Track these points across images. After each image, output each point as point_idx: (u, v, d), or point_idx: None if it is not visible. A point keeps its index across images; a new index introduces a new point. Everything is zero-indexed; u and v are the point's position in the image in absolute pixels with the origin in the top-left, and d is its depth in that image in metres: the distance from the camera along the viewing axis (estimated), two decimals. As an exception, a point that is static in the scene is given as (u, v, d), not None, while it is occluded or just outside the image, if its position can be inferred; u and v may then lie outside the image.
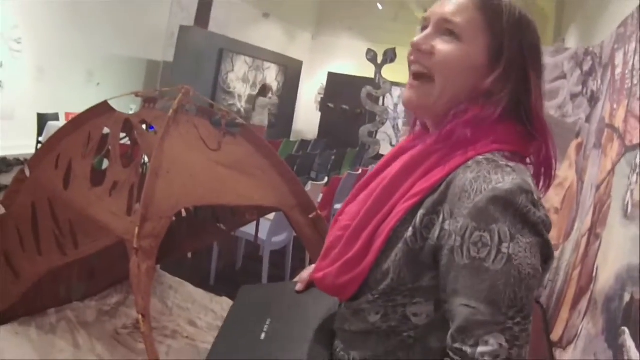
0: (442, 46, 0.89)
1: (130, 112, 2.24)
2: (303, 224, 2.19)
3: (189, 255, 3.49)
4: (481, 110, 0.87)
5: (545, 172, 0.91)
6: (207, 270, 3.77)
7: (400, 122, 10.84)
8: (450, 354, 0.75)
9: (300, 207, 2.20)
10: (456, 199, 0.78)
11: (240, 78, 9.96)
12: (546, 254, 0.78)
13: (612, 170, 2.70)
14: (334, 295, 0.94)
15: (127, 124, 1.96)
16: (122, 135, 1.98)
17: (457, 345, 0.74)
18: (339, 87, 11.06)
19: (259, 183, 2.11)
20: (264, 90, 9.77)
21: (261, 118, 9.44)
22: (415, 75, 0.92)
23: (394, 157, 1.01)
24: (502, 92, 0.88)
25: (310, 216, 2.20)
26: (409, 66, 0.94)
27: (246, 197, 2.05)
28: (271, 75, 10.77)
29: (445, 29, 0.89)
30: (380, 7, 11.48)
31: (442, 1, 0.93)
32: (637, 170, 2.25)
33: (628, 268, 2.13)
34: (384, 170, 1.00)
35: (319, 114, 11.62)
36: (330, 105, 11.18)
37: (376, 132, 9.28)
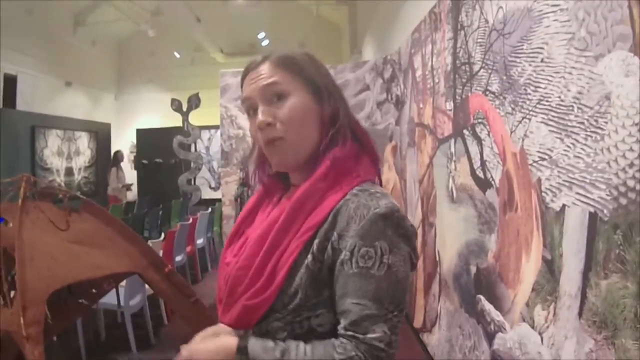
0: (281, 110, 1.03)
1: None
2: (158, 280, 2.34)
3: (54, 338, 3.41)
4: (340, 150, 1.04)
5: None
6: (75, 348, 3.66)
7: (215, 164, 10.96)
8: (343, 339, 0.91)
9: (152, 265, 2.34)
10: (344, 225, 0.96)
11: (55, 152, 9.46)
12: (413, 260, 0.99)
13: (430, 163, 3.05)
14: (243, 322, 1.01)
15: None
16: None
17: (350, 333, 0.91)
18: (150, 142, 10.91)
19: (111, 252, 2.21)
20: (116, 158, 9.97)
21: (115, 189, 9.65)
22: (269, 141, 1.04)
23: (256, 206, 1.19)
24: (339, 119, 1.06)
25: (166, 270, 2.32)
26: (259, 136, 1.06)
27: (103, 268, 2.15)
28: (83, 144, 10.32)
29: (272, 94, 1.03)
30: (177, 55, 11.59)
31: (249, 81, 1.07)
32: (454, 158, 2.58)
33: (467, 244, 2.43)
34: (250, 217, 1.19)
35: (135, 172, 11.37)
36: (144, 161, 10.97)
37: (194, 178, 9.23)
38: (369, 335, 0.89)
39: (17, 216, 1.85)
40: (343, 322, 0.92)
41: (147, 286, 3.76)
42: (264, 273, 0.99)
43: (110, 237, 2.23)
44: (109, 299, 3.45)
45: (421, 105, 3.24)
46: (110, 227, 2.27)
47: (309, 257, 0.96)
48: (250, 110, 1.06)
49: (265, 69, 1.04)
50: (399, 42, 4.12)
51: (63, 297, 2.46)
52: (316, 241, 0.97)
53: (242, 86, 1.10)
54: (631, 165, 1.11)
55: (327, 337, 0.95)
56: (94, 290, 2.48)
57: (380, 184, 1.10)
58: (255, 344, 0.94)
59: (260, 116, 1.02)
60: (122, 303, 3.69)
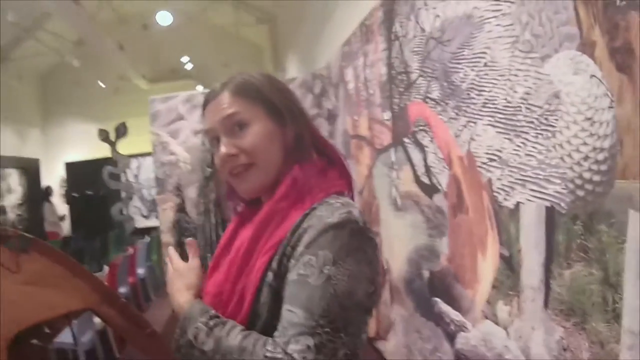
0: (243, 141, 1.02)
1: None
2: (113, 315, 2.33)
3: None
4: (301, 169, 1.03)
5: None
6: None
7: (145, 192, 10.81)
8: (271, 340, 0.88)
9: (105, 300, 2.35)
10: (298, 239, 0.94)
11: None
12: (367, 275, 0.92)
13: (370, 174, 3.09)
14: None
15: None
16: None
17: (277, 339, 0.88)
18: (80, 175, 10.65)
19: (63, 290, 2.20)
20: (48, 193, 9.99)
21: (51, 224, 9.62)
22: (233, 173, 1.05)
23: (232, 236, 1.16)
24: (303, 139, 1.07)
25: (120, 303, 2.27)
26: (223, 169, 1.06)
27: (58, 307, 2.17)
28: (14, 181, 9.86)
29: (233, 123, 1.03)
30: (102, 85, 11.29)
31: (209, 111, 1.06)
32: (395, 166, 2.63)
33: (416, 250, 2.47)
34: (227, 248, 1.13)
35: (67, 207, 11.04)
36: (75, 194, 10.67)
37: (127, 208, 9.03)
38: (291, 346, 0.85)
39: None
40: (278, 327, 0.90)
41: (95, 321, 3.76)
42: (233, 298, 0.99)
43: (61, 275, 2.19)
44: (61, 338, 3.47)
45: (356, 117, 3.28)
46: (60, 265, 2.22)
47: (269, 274, 0.96)
48: (214, 140, 1.06)
49: (224, 98, 1.04)
50: (326, 57, 4.17)
51: (16, 341, 2.38)
52: (276, 257, 0.96)
53: (203, 116, 1.09)
54: (586, 158, 1.17)
55: None
56: (47, 330, 2.40)
57: (352, 194, 1.10)
58: (198, 303, 1.01)
59: (222, 148, 1.02)
60: (70, 341, 3.62)
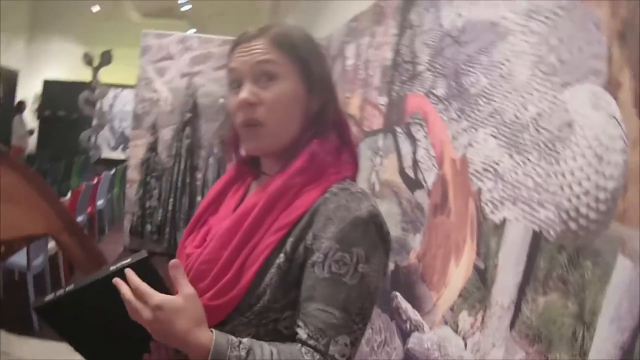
0: (267, 93, 0.95)
1: None
2: (72, 245, 2.27)
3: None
4: (320, 144, 0.98)
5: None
6: None
7: (116, 124, 10.63)
8: (305, 348, 0.87)
9: (67, 228, 2.25)
10: (321, 225, 0.91)
11: None
12: (386, 271, 0.98)
13: (352, 154, 3.06)
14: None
15: None
16: None
17: (312, 342, 0.87)
18: (56, 94, 10.41)
19: (28, 211, 2.10)
20: (20, 107, 9.69)
21: (20, 138, 9.41)
22: (247, 123, 0.97)
23: (223, 191, 1.11)
24: (326, 112, 1.01)
25: (82, 234, 2.22)
26: (237, 115, 0.98)
27: (19, 228, 2.06)
28: None
29: (263, 72, 0.96)
30: (97, 8, 10.86)
31: (239, 51, 0.99)
32: (380, 152, 2.61)
33: (385, 240, 2.47)
34: (214, 204, 1.10)
35: (36, 123, 10.75)
36: (47, 112, 10.46)
37: (96, 136, 8.86)
38: (332, 347, 0.86)
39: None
40: (305, 328, 0.88)
41: (48, 247, 3.74)
42: (231, 270, 0.92)
43: (28, 194, 2.08)
44: (13, 258, 3.40)
45: (348, 95, 3.24)
46: (28, 184, 2.11)
47: (281, 256, 0.92)
48: (234, 83, 0.98)
49: (261, 43, 0.96)
50: (327, 29, 4.10)
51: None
52: (290, 240, 0.92)
53: (229, 55, 1.01)
54: (586, 193, 1.17)
55: (293, 340, 0.90)
56: (2, 249, 2.32)
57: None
58: (220, 336, 0.85)
59: (244, 93, 0.95)
60: (21, 262, 3.61)
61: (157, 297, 0.82)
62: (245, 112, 0.96)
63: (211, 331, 0.85)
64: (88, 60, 8.42)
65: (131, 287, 0.82)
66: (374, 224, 0.91)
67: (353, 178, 1.02)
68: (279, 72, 0.96)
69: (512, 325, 1.36)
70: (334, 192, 0.94)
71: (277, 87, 0.96)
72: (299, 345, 0.87)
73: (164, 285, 0.86)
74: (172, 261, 0.88)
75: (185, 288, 0.85)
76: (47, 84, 10.79)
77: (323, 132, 1.00)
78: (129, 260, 0.85)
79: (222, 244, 0.96)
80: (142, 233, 5.75)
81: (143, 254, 0.86)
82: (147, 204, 5.70)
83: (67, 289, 0.87)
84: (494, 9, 1.59)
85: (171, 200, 5.58)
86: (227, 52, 1.03)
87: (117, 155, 10.16)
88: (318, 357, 0.85)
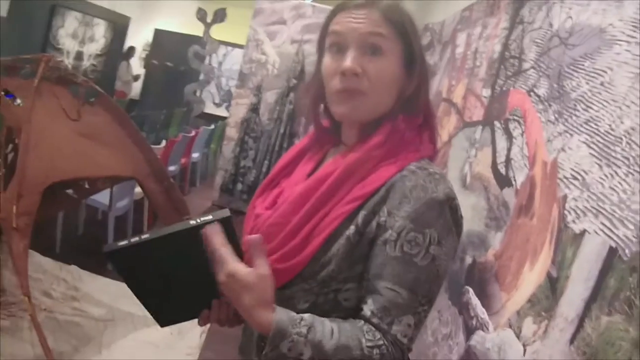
0: (372, 66, 0.95)
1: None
2: (157, 192, 2.29)
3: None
4: (404, 121, 0.99)
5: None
6: (51, 238, 3.60)
7: (223, 81, 10.77)
8: (367, 326, 0.88)
9: (153, 175, 2.29)
10: (396, 203, 0.91)
11: (70, 34, 9.11)
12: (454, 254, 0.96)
13: (449, 142, 3.03)
14: None
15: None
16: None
17: (375, 320, 0.88)
18: (165, 45, 10.70)
19: (116, 153, 2.14)
20: (130, 53, 9.93)
21: (124, 83, 9.67)
22: (347, 90, 0.97)
23: (299, 155, 1.14)
24: (419, 95, 0.99)
25: (167, 183, 2.26)
26: (335, 79, 0.98)
27: (105, 168, 2.10)
28: (99, 32, 9.93)
29: (371, 44, 0.96)
30: None
31: (346, 17, 0.97)
32: (477, 145, 2.57)
33: (468, 234, 2.44)
34: (289, 167, 1.13)
35: (143, 71, 11.05)
36: (155, 61, 10.76)
37: (201, 91, 9.12)
38: (395, 327, 0.86)
39: (29, 96, 1.74)
40: (371, 305, 0.88)
41: (136, 192, 3.80)
42: (298, 236, 0.94)
43: (119, 136, 2.15)
44: (96, 196, 3.43)
45: (453, 82, 3.19)
46: (120, 127, 2.18)
47: (352, 228, 0.92)
48: (334, 47, 0.98)
49: (371, 14, 0.96)
50: (442, 15, 4.02)
51: (52, 187, 2.46)
52: (362, 213, 0.92)
53: (330, 17, 1.01)
54: (668, 217, 1.11)
55: (350, 313, 0.92)
56: (87, 186, 2.42)
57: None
58: (282, 312, 0.85)
59: (350, 61, 0.94)
60: (105, 202, 3.65)
61: (232, 265, 0.83)
62: (348, 80, 0.95)
63: (277, 310, 0.85)
64: (201, 15, 8.50)
65: (211, 246, 0.83)
66: (450, 207, 0.91)
67: (432, 159, 1.02)
68: (386, 47, 0.96)
69: (572, 339, 1.33)
70: (412, 170, 0.94)
71: (381, 63, 0.96)
72: (361, 322, 0.88)
73: (239, 248, 0.88)
74: (254, 237, 0.86)
75: (261, 267, 0.84)
76: (158, 33, 10.96)
77: (411, 112, 1.01)
78: (209, 217, 0.85)
79: (293, 208, 0.97)
80: (232, 191, 5.82)
81: (225, 212, 0.87)
82: (242, 163, 5.77)
83: (143, 237, 0.86)
84: (603, 15, 1.51)
85: (266, 162, 5.65)
86: (328, 14, 1.03)
87: (220, 112, 10.27)
88: (379, 336, 0.86)
